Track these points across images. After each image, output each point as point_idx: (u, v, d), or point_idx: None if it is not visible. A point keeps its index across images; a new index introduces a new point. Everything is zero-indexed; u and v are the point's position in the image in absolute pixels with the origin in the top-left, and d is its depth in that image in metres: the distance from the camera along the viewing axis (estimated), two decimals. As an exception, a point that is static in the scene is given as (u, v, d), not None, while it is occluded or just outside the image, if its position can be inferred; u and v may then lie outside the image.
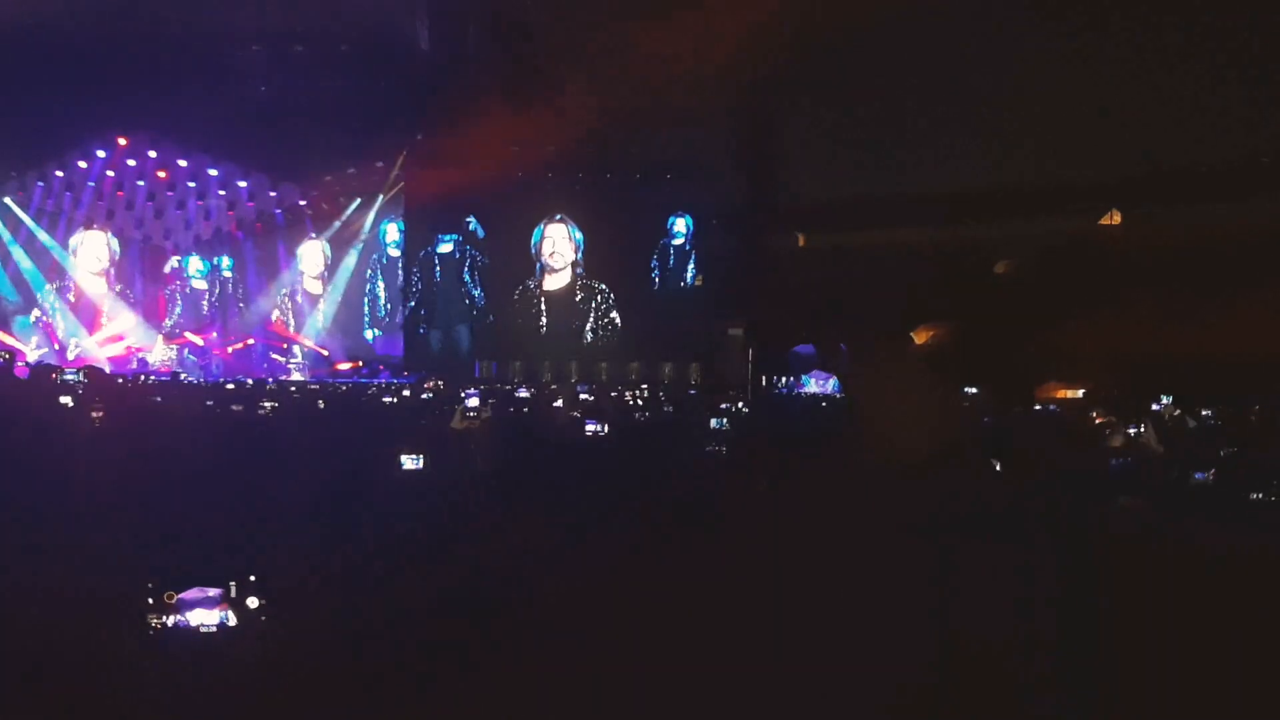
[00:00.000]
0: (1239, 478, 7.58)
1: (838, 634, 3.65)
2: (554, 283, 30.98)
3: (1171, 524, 6.31)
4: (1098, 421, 10.74)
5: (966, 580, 4.17)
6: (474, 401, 10.25)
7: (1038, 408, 15.64)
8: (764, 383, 17.04)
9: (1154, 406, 13.79)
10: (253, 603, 3.27)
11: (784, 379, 17.42)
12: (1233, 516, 6.81)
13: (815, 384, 15.42)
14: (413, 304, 31.01)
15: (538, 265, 30.82)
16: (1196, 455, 8.47)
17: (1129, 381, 16.48)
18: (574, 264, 30.83)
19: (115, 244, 31.78)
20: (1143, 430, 8.69)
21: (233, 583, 3.25)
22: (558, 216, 30.57)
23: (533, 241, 30.73)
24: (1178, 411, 13.89)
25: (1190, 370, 16.78)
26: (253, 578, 3.28)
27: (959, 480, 6.63)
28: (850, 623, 3.72)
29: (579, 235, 30.66)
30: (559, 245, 30.66)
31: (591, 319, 30.73)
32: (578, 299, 30.81)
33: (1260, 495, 6.97)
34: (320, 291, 33.04)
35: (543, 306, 30.85)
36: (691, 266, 30.60)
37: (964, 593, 4.05)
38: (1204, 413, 13.82)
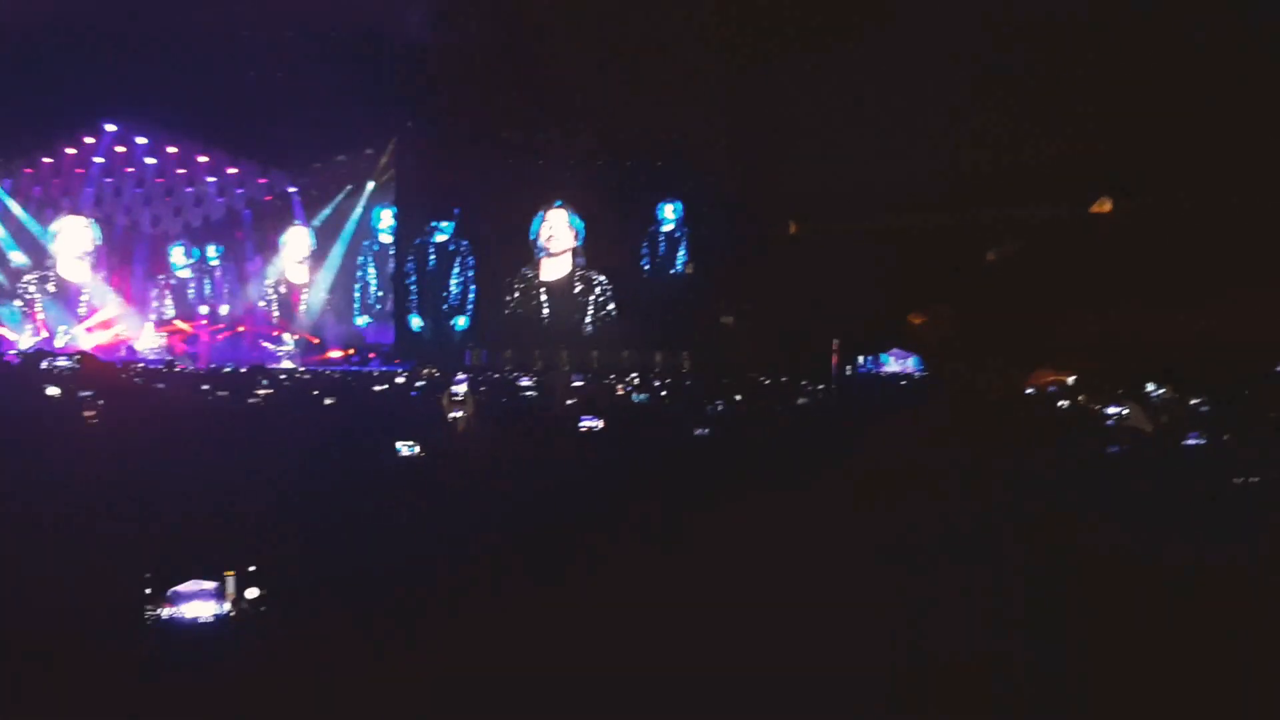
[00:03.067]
0: (1228, 463, 7.62)
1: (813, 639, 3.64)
2: (553, 271, 30.86)
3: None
4: (1087, 404, 10.76)
5: (943, 595, 4.18)
6: (461, 388, 10.29)
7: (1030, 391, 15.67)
8: (845, 368, 17.43)
9: (1148, 390, 13.80)
10: (251, 594, 3.25)
11: (864, 359, 17.73)
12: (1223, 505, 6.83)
13: (895, 362, 15.90)
14: (404, 292, 30.91)
15: (537, 252, 30.71)
16: (1187, 430, 8.52)
17: (1120, 366, 16.50)
18: (574, 251, 30.73)
19: (97, 230, 31.53)
20: (1127, 413, 8.73)
21: (230, 574, 3.23)
22: (557, 203, 30.45)
23: (532, 229, 30.63)
24: (1175, 396, 13.90)
25: (1181, 356, 16.83)
26: (251, 568, 3.26)
27: (937, 497, 6.62)
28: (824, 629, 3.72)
29: (579, 222, 30.54)
30: (556, 230, 30.53)
31: (591, 310, 30.64)
32: (577, 290, 30.72)
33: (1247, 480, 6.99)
34: (305, 279, 32.92)
35: (542, 296, 30.75)
36: (682, 253, 30.54)
37: (941, 607, 4.05)
38: (1192, 401, 13.83)
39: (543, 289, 30.82)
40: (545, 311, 30.73)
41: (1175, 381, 12.79)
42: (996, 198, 25.02)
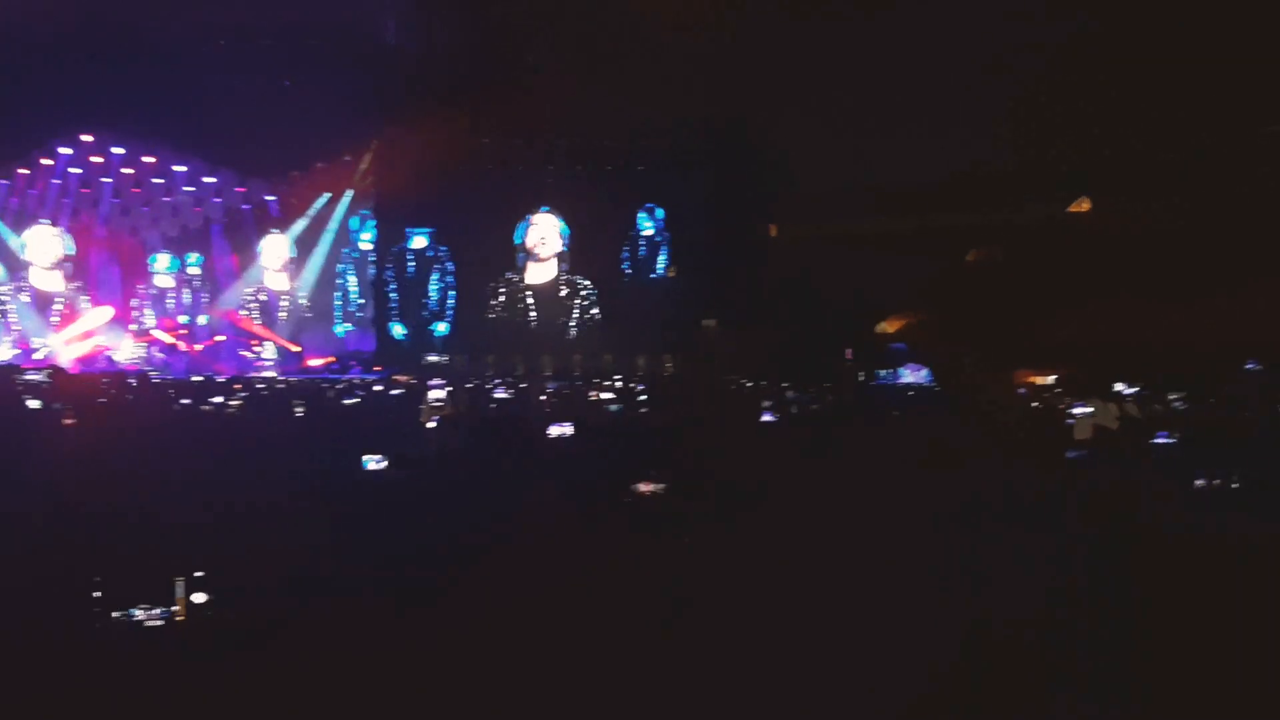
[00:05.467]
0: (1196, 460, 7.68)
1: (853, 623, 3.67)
2: (538, 276, 30.82)
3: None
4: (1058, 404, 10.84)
5: (991, 568, 4.21)
6: (438, 394, 10.28)
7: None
8: (861, 376, 20.34)
9: (1118, 389, 13.90)
10: (199, 598, 3.25)
11: (883, 371, 20.46)
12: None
13: (910, 374, 18.55)
14: (384, 299, 30.80)
15: (520, 256, 30.68)
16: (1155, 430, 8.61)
17: (1099, 367, 16.60)
18: (559, 256, 30.73)
19: (69, 240, 31.30)
20: (1094, 411, 8.80)
21: (180, 579, 3.23)
22: (544, 208, 30.42)
23: (518, 234, 30.59)
24: (1146, 394, 14.01)
25: (1159, 355, 16.94)
26: (199, 573, 3.26)
27: (986, 470, 6.69)
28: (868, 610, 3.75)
29: (565, 227, 30.54)
30: (544, 235, 30.52)
31: (577, 314, 30.62)
32: (562, 293, 30.71)
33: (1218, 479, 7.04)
34: (285, 287, 32.84)
35: (528, 300, 30.71)
36: (663, 258, 30.56)
37: (989, 581, 4.09)
38: (1169, 397, 13.95)
39: (528, 293, 30.78)
40: (531, 315, 30.70)
41: (1141, 380, 12.88)
42: (977, 199, 25.11)
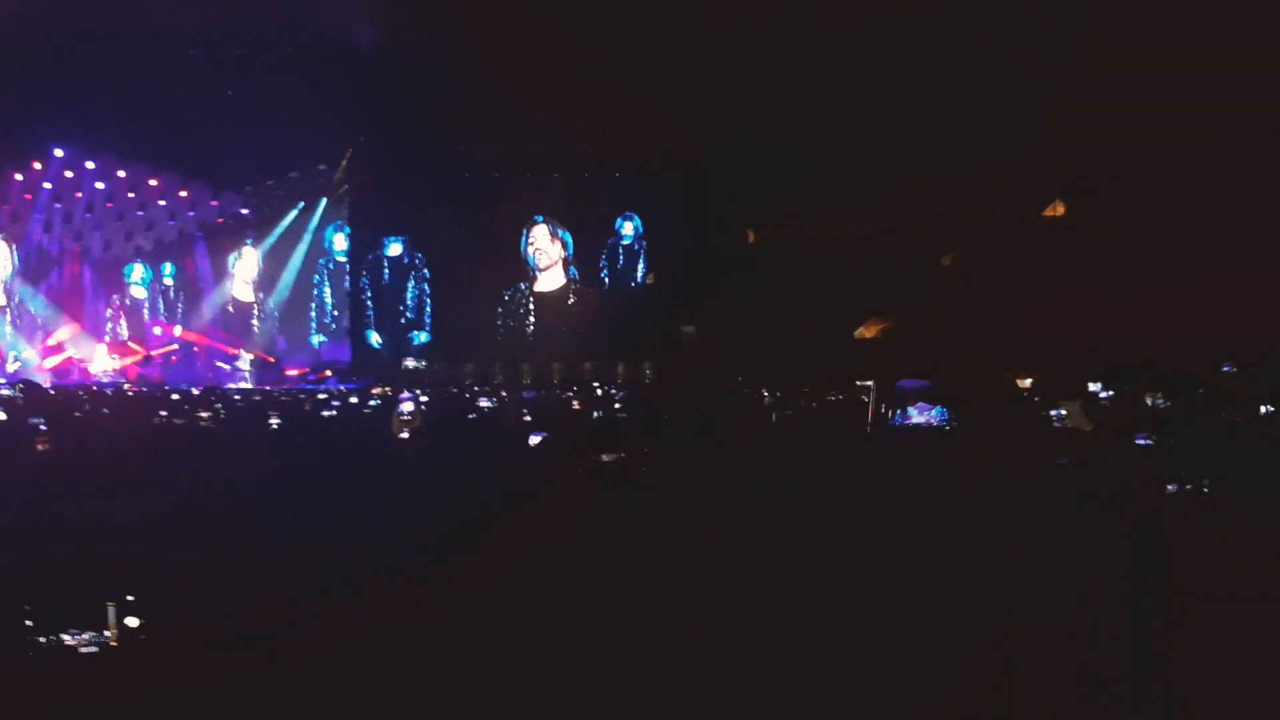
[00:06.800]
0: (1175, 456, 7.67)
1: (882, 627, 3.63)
2: (545, 284, 30.66)
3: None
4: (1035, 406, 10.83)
5: (1025, 570, 4.18)
6: (408, 405, 10.19)
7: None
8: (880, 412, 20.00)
9: (1092, 389, 13.92)
10: (133, 622, 3.13)
11: (892, 410, 19.99)
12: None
13: (918, 415, 17.69)
14: (360, 308, 30.60)
15: (531, 267, 30.53)
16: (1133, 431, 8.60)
17: (1075, 368, 16.64)
18: (564, 262, 30.53)
19: (13, 252, 31.03)
20: (1065, 412, 8.78)
21: (111, 603, 3.11)
22: (537, 218, 30.25)
23: (521, 245, 30.43)
24: (1124, 395, 14.03)
25: (1135, 356, 16.99)
26: (131, 597, 3.14)
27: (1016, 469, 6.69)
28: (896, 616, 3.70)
29: (566, 234, 30.43)
30: (541, 245, 30.39)
31: (586, 321, 30.42)
32: (571, 302, 30.56)
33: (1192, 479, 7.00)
34: (259, 299, 32.70)
35: (530, 307, 30.55)
36: (641, 265, 30.50)
37: (1023, 583, 4.06)
38: (1148, 399, 13.96)
39: (530, 301, 30.58)
40: (530, 324, 30.52)
41: (1121, 382, 12.89)
42: (953, 201, 25.17)
